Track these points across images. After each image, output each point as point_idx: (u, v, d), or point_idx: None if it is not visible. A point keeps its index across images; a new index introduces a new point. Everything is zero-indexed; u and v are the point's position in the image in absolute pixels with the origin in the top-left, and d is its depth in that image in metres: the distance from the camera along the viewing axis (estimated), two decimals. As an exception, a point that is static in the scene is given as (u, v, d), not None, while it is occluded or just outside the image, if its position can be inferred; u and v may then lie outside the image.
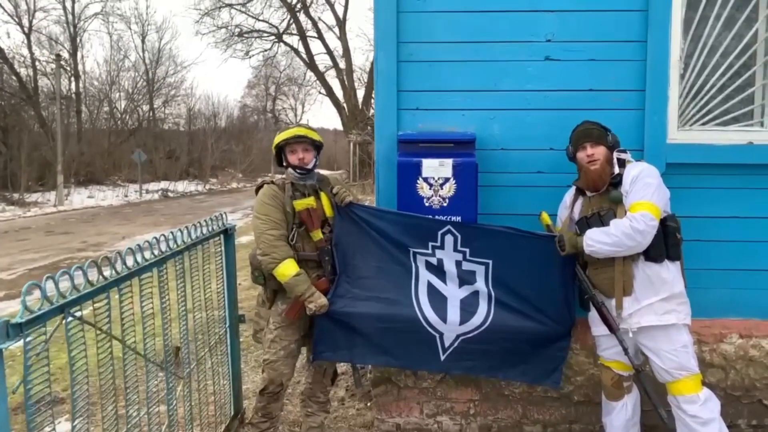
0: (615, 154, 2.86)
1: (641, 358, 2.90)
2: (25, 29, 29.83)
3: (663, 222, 2.70)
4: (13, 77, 28.91)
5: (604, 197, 2.84)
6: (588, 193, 2.93)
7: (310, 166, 3.11)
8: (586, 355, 3.40)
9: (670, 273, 2.74)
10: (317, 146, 3.15)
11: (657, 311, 2.72)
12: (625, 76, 3.29)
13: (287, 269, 2.94)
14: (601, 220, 2.79)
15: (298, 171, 3.10)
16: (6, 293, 8.06)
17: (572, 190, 3.05)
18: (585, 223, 2.86)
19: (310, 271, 3.05)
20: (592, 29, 3.28)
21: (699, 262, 3.20)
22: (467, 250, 3.11)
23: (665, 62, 3.25)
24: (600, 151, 2.84)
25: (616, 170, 2.83)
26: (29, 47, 30.00)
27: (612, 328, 2.82)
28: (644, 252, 2.71)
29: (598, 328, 2.96)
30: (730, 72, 3.34)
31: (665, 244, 2.72)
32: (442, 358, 3.13)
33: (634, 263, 2.75)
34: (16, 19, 29.63)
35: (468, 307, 3.09)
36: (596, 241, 2.71)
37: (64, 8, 32.09)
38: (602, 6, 3.26)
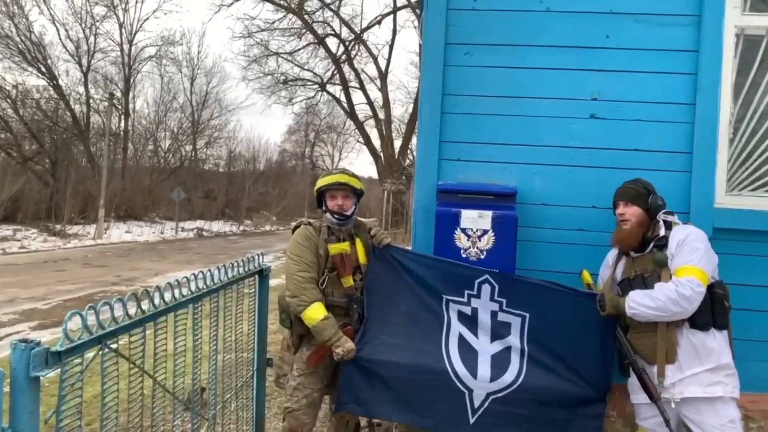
0: (661, 216, 2.79)
1: (684, 431, 2.74)
2: (84, 68, 31.44)
3: (710, 288, 2.59)
4: (68, 113, 30.29)
5: (649, 259, 2.75)
6: (632, 254, 2.85)
7: (348, 213, 3.10)
8: (623, 423, 3.25)
9: (716, 342, 2.61)
10: (358, 193, 3.15)
11: (702, 382, 2.58)
12: (672, 138, 3.26)
13: (315, 313, 2.90)
14: (645, 283, 2.70)
15: (337, 217, 3.09)
16: (40, 323, 8.18)
17: (615, 250, 2.97)
18: (627, 285, 2.77)
19: (337, 318, 3.01)
20: (640, 90, 3.28)
21: (747, 333, 3.06)
22: (504, 301, 3.03)
23: (714, 126, 3.21)
24: (632, 212, 2.79)
25: (662, 232, 2.75)
26: (86, 85, 31.52)
27: (653, 396, 2.68)
28: (690, 319, 2.60)
29: (637, 396, 2.82)
30: (781, 138, 3.27)
31: (712, 311, 2.61)
32: (471, 421, 2.99)
33: (678, 330, 2.64)
34: (76, 59, 31.28)
35: (499, 363, 2.99)
36: (639, 304, 2.62)
37: (122, 50, 33.80)
38: (651, 68, 3.27)
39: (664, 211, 2.81)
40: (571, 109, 3.33)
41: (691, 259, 2.58)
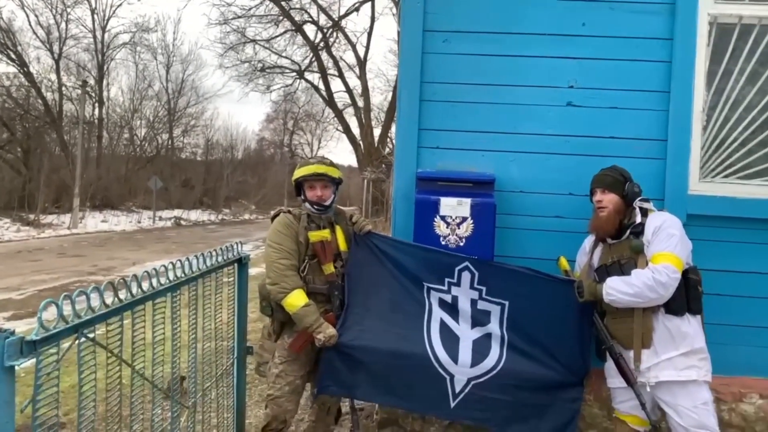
0: (637, 204, 2.83)
1: (658, 414, 2.81)
2: (55, 55, 30.67)
3: (685, 274, 2.64)
4: (39, 101, 29.58)
5: (625, 246, 2.79)
6: (609, 241, 2.89)
7: (327, 203, 3.10)
8: (599, 407, 3.31)
9: (691, 327, 2.67)
10: (337, 182, 3.14)
11: (677, 366, 2.64)
12: (647, 125, 3.30)
13: (296, 300, 2.91)
14: (621, 269, 2.74)
15: (316, 207, 3.09)
16: (14, 313, 8.04)
17: (592, 237, 3.01)
18: (604, 271, 2.81)
19: (318, 305, 3.01)
20: (616, 77, 3.31)
21: (719, 317, 3.13)
22: (484, 288, 3.06)
23: (688, 113, 3.25)
24: (609, 199, 2.82)
25: (638, 219, 2.79)
26: (57, 73, 30.76)
27: (629, 381, 2.74)
28: (665, 304, 2.65)
29: (614, 380, 2.87)
30: (753, 126, 3.32)
31: (686, 297, 2.66)
32: (452, 404, 3.02)
33: (654, 315, 2.69)
34: (47, 46, 30.50)
35: (480, 348, 3.03)
36: (617, 290, 2.66)
37: (95, 37, 33.03)
38: (626, 56, 3.30)
39: (640, 198, 2.85)
40: (548, 96, 3.35)
41: (667, 245, 2.63)
